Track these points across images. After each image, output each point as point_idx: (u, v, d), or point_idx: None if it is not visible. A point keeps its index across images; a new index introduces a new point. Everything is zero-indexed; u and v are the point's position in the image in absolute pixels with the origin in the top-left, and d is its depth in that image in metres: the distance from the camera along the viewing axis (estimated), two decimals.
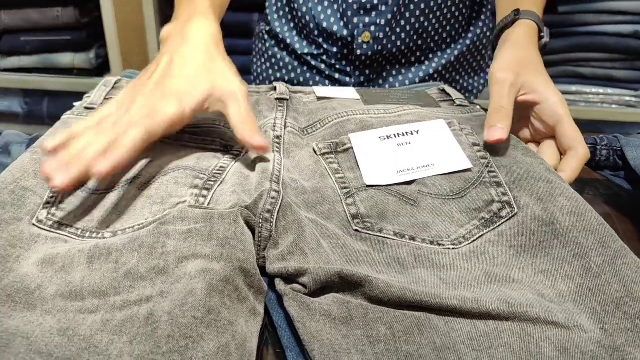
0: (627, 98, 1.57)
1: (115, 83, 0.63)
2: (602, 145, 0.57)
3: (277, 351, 0.36)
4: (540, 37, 0.64)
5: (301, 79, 0.85)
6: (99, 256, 0.37)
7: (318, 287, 0.36)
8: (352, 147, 0.53)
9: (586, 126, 1.64)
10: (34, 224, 0.42)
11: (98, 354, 0.31)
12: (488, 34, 0.88)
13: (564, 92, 1.57)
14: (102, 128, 0.44)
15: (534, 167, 0.48)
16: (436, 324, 0.34)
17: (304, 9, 0.80)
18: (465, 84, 0.89)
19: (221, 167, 0.48)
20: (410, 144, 0.53)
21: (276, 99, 0.60)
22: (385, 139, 0.53)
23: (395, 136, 0.54)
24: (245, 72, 1.54)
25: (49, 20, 1.50)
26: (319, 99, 0.63)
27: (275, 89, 0.63)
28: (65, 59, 1.56)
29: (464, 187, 0.47)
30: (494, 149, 0.52)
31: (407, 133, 0.54)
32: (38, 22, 1.50)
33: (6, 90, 1.62)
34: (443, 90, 0.67)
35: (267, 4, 0.88)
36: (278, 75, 0.87)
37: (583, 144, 0.53)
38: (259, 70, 0.91)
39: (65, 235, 0.41)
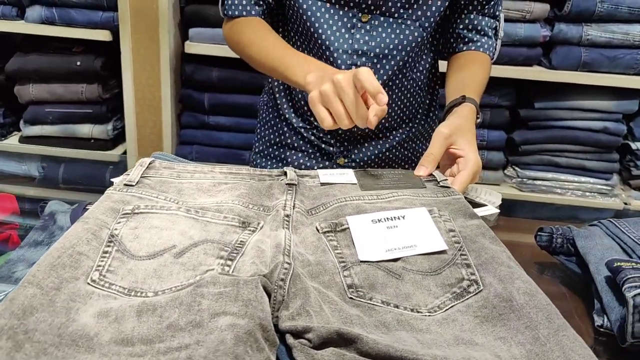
0: (599, 186, 1.71)
1: (150, 163, 0.74)
2: (558, 234, 0.68)
3: None
4: (477, 118, 0.90)
5: (295, 144, 1.05)
6: (146, 311, 0.47)
7: (320, 342, 0.45)
8: (349, 228, 0.63)
9: (562, 211, 1.77)
10: (88, 283, 0.51)
11: None
12: (436, 117, 1.12)
13: (540, 179, 1.72)
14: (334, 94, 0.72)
15: (498, 254, 0.59)
16: None
17: (300, 95, 1.00)
18: (420, 150, 1.11)
19: (241, 241, 0.58)
20: (397, 227, 0.64)
21: (286, 184, 0.71)
22: (377, 222, 0.64)
23: (385, 220, 0.64)
24: (247, 148, 1.68)
25: (73, 95, 1.65)
26: (322, 184, 0.74)
27: (285, 174, 0.74)
28: (84, 129, 1.70)
29: (440, 266, 0.58)
30: (467, 235, 0.62)
31: (395, 218, 0.65)
32: (63, 96, 1.65)
33: (26, 156, 1.73)
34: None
35: (270, 84, 1.07)
36: (277, 140, 1.07)
37: (474, 159, 0.78)
38: (262, 134, 1.11)
39: (115, 293, 0.50)
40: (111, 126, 1.71)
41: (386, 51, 0.93)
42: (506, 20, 1.57)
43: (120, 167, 1.84)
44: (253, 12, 0.96)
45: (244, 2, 0.95)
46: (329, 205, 0.68)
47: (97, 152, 1.70)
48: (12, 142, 1.73)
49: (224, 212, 0.64)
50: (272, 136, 1.09)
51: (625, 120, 1.70)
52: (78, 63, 1.60)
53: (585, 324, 0.60)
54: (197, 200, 0.68)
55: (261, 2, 0.96)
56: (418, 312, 0.52)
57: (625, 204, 1.70)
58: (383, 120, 1.01)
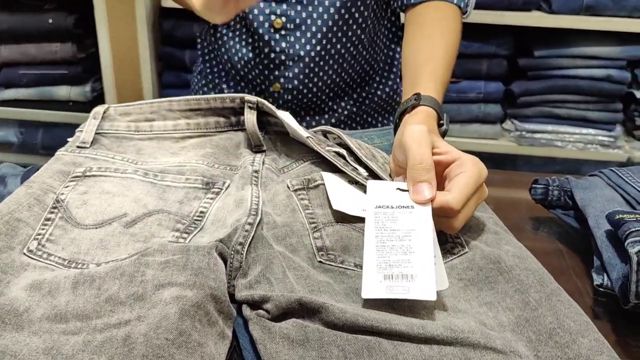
0: (601, 138, 1.64)
1: (104, 112, 0.66)
2: (554, 186, 0.61)
3: None
4: (440, 125, 0.62)
5: None
6: (83, 282, 0.41)
7: (280, 313, 0.40)
8: (323, 184, 0.57)
9: (563, 165, 1.70)
10: (24, 254, 0.45)
11: None
12: (398, 88, 0.94)
13: (540, 131, 1.65)
14: None
15: (484, 220, 0.53)
16: (385, 347, 0.38)
17: (225, 57, 0.89)
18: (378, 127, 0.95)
19: (201, 212, 0.52)
20: None
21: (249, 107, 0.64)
22: (354, 182, 0.58)
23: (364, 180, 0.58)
24: None
25: (46, 55, 1.56)
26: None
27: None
28: (62, 91, 1.62)
29: None
30: None
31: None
32: (36, 57, 1.57)
33: (2, 121, 1.66)
34: None
35: (199, 46, 0.96)
36: None
37: (473, 159, 0.50)
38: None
39: (53, 265, 0.45)
40: (89, 88, 1.63)
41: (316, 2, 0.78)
42: None
43: None
44: None
45: None
46: (303, 162, 0.62)
47: (77, 114, 1.63)
48: None
49: (186, 173, 0.58)
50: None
51: (629, 67, 1.61)
52: (50, 21, 1.51)
53: (583, 283, 0.54)
54: (158, 159, 0.62)
55: None
56: None
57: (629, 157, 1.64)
58: (325, 86, 0.85)
